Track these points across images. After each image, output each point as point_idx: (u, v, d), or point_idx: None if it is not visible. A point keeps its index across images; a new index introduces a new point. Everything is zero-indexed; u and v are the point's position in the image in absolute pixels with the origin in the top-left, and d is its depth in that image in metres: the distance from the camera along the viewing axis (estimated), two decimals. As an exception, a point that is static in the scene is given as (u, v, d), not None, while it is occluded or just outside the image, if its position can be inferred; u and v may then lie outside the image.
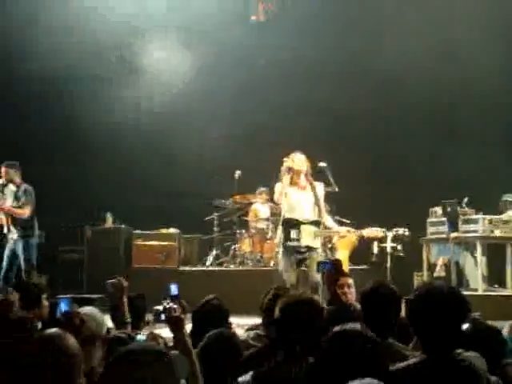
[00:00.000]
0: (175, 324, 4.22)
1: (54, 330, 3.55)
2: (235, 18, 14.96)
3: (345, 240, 11.84)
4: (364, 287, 5.01)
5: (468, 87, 13.93)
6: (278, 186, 9.07)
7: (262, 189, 13.03)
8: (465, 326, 4.19)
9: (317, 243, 8.97)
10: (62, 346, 3.32)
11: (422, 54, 14.07)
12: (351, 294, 6.72)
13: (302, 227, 8.87)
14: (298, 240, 8.86)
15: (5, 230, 10.81)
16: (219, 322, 5.04)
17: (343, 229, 9.70)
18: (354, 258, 12.10)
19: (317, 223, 8.91)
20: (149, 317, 5.94)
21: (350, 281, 6.89)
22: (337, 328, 3.54)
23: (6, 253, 10.81)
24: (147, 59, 15.05)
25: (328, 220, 9.30)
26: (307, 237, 8.88)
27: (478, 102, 14.04)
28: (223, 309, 5.44)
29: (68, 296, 5.61)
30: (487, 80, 13.51)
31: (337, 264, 6.97)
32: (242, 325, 6.07)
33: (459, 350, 3.78)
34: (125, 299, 5.78)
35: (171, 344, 4.33)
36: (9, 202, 10.77)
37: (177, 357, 3.30)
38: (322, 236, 9.10)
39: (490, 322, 5.11)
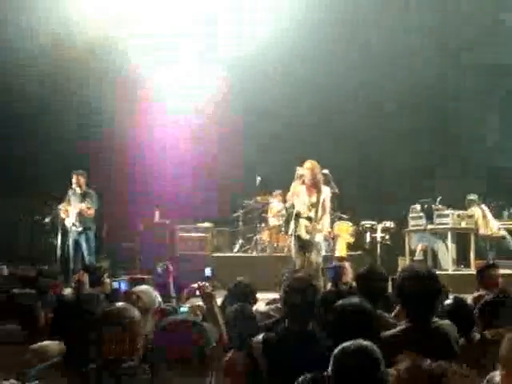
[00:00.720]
0: (206, 298, 4.26)
1: (121, 303, 3.59)
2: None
3: (343, 231, 11.85)
4: (359, 269, 5.01)
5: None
6: (291, 188, 9.06)
7: (278, 191, 12.99)
8: (447, 302, 4.21)
9: (316, 236, 8.88)
10: (129, 315, 3.35)
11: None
12: (348, 275, 6.70)
13: (300, 220, 8.84)
14: (301, 232, 8.84)
15: (69, 225, 10.91)
16: (248, 297, 5.04)
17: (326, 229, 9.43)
18: (351, 245, 12.09)
19: (309, 219, 8.82)
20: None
21: (347, 264, 6.87)
22: (340, 301, 3.55)
23: (71, 244, 10.91)
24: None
25: (322, 219, 9.07)
26: (302, 229, 8.83)
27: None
28: (252, 287, 5.45)
29: (126, 277, 5.65)
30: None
31: (339, 270, 6.88)
32: (263, 299, 6.03)
33: (435, 319, 3.78)
34: (171, 279, 5.81)
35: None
36: (78, 204, 10.88)
37: (208, 326, 3.33)
38: (314, 231, 8.91)
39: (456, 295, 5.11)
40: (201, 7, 13.63)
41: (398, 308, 4.36)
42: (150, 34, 13.46)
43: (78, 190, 10.91)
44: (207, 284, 4.50)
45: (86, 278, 5.86)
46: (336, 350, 2.73)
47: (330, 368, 2.71)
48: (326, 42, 13.20)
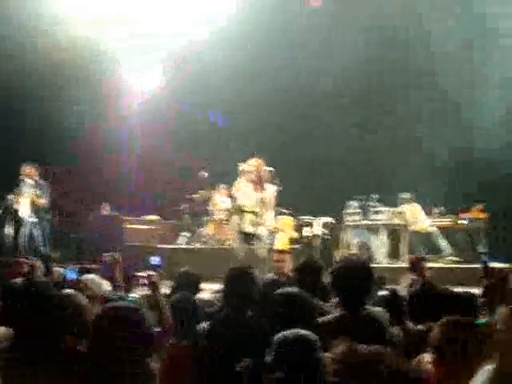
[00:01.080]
0: (152, 287, 4.28)
1: (69, 290, 3.58)
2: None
3: (285, 225, 11.93)
4: (298, 262, 5.09)
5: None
6: (235, 184, 9.10)
7: (222, 185, 13.02)
8: (383, 293, 4.32)
9: (259, 229, 8.93)
10: (77, 301, 3.34)
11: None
12: (287, 267, 6.77)
13: (245, 214, 8.89)
14: (245, 226, 8.90)
15: (23, 215, 10.75)
16: (193, 287, 5.06)
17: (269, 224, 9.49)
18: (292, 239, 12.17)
19: (254, 213, 8.87)
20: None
21: (287, 257, 6.93)
22: (279, 290, 3.60)
23: (26, 233, 10.75)
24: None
25: (266, 215, 9.12)
26: (247, 223, 8.89)
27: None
28: (196, 277, 5.46)
29: (75, 266, 5.60)
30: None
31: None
32: (207, 289, 6.05)
33: (368, 306, 3.88)
34: (118, 268, 5.78)
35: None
36: (31, 194, 10.74)
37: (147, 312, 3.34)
38: (257, 225, 8.96)
39: (389, 286, 5.24)
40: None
41: (337, 299, 4.45)
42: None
43: (30, 181, 10.76)
44: (153, 273, 4.52)
45: (40, 266, 5.81)
46: (275, 338, 2.78)
47: (269, 355, 2.75)
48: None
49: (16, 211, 10.74)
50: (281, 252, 7.15)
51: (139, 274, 4.73)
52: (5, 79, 12.80)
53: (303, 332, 2.78)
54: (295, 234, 12.20)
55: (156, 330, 3.95)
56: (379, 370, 1.94)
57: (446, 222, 12.72)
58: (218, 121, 14.02)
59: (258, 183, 8.86)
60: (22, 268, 5.35)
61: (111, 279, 5.70)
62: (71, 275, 4.76)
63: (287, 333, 2.78)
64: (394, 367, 1.96)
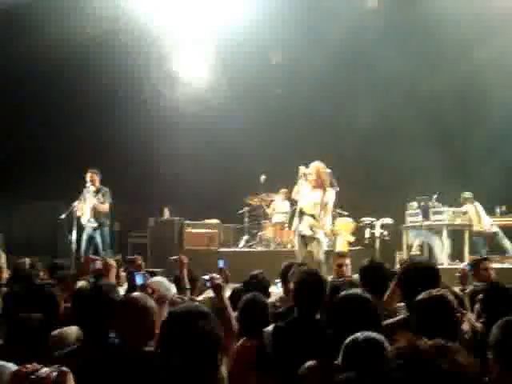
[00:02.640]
0: (216, 289, 4.33)
1: (138, 293, 3.67)
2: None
3: (344, 228, 11.89)
4: (361, 263, 5.06)
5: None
6: (296, 186, 9.11)
7: (283, 189, 13.05)
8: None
9: (317, 232, 8.92)
10: (146, 304, 3.42)
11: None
12: (347, 271, 6.75)
13: (304, 216, 8.89)
14: (304, 228, 8.90)
15: (83, 221, 11.00)
16: (263, 290, 5.09)
17: (327, 228, 9.46)
18: (351, 241, 12.13)
19: (313, 216, 8.87)
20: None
21: (348, 261, 6.92)
22: (343, 293, 3.61)
23: (84, 238, 11.01)
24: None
25: (325, 219, 9.11)
26: (305, 225, 8.89)
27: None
28: (266, 281, 5.50)
29: (143, 272, 5.68)
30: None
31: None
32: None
33: None
34: (185, 271, 5.85)
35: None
36: (93, 200, 10.98)
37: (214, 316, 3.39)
38: (316, 228, 8.94)
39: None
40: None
41: (390, 289, 4.42)
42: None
43: (92, 188, 11.01)
44: (217, 276, 4.58)
45: (114, 266, 5.92)
46: (347, 341, 2.81)
47: (340, 357, 2.78)
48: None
49: (79, 218, 10.98)
50: (342, 255, 7.13)
51: (203, 277, 4.78)
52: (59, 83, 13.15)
53: (373, 334, 2.80)
54: (353, 237, 12.16)
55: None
56: (441, 364, 1.89)
57: (510, 221, 12.49)
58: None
59: (318, 186, 8.86)
60: (94, 265, 5.47)
61: (177, 282, 5.79)
62: (140, 281, 4.84)
63: (357, 335, 2.81)
64: (458, 363, 1.91)
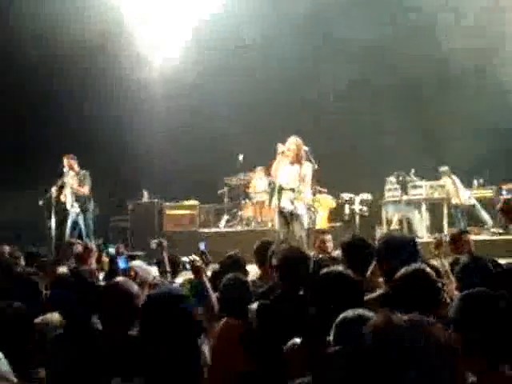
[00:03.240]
0: (197, 271, 4.34)
1: (121, 278, 3.67)
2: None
3: (323, 204, 11.93)
4: (343, 239, 5.06)
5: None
6: (274, 163, 9.11)
7: (260, 167, 13.06)
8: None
9: (299, 207, 8.95)
10: (130, 288, 3.43)
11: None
12: (329, 247, 6.78)
13: (283, 192, 8.91)
14: (285, 204, 8.91)
15: (68, 206, 10.97)
16: (240, 270, 5.09)
17: (308, 199, 9.49)
18: (331, 218, 12.18)
19: (293, 190, 8.88)
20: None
21: (329, 236, 6.95)
22: (325, 269, 3.63)
23: (69, 223, 10.97)
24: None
25: (305, 191, 9.13)
26: (287, 200, 8.90)
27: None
28: (242, 260, 5.51)
29: (124, 255, 5.67)
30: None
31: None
32: (250, 271, 6.08)
33: None
34: (165, 254, 5.86)
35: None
36: (73, 185, 10.95)
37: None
38: (297, 200, 8.97)
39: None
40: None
41: (373, 265, 4.44)
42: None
43: (72, 172, 10.97)
44: (197, 258, 4.60)
45: (94, 251, 5.92)
46: (338, 319, 2.82)
47: (331, 335, 2.80)
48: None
49: (58, 203, 10.92)
50: (323, 232, 7.17)
51: (183, 258, 4.80)
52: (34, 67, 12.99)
53: (362, 311, 2.80)
54: (333, 206, 12.20)
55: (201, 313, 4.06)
56: (415, 338, 1.90)
57: (487, 193, 12.61)
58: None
59: (295, 161, 8.88)
60: (76, 249, 5.45)
61: (158, 265, 5.80)
62: (123, 264, 4.85)
63: (348, 313, 2.82)
64: (433, 338, 1.91)
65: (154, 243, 6.05)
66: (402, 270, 3.45)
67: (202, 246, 4.86)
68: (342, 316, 2.81)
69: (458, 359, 2.00)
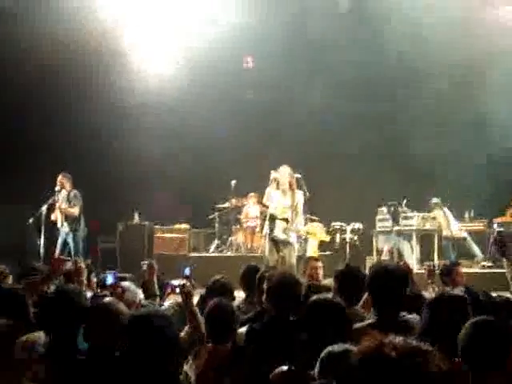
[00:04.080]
0: (185, 296, 4.34)
1: (110, 298, 3.65)
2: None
3: (314, 233, 11.93)
4: (337, 268, 5.04)
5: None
6: (266, 191, 9.15)
7: (252, 194, 13.07)
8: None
9: (291, 235, 8.97)
10: (116, 309, 3.41)
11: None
12: (320, 274, 6.77)
13: (276, 221, 8.94)
14: (278, 233, 8.94)
15: (58, 225, 10.96)
16: (226, 294, 5.05)
17: (302, 230, 9.51)
18: (322, 246, 12.16)
19: (286, 220, 8.91)
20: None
21: (320, 264, 6.94)
22: (314, 297, 3.63)
23: (59, 242, 10.94)
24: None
25: (297, 220, 9.16)
26: (279, 230, 8.93)
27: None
28: (229, 285, 5.47)
29: (113, 271, 5.62)
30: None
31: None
32: (239, 297, 6.05)
33: (403, 313, 3.86)
34: (154, 277, 5.84)
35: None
36: (62, 205, 10.92)
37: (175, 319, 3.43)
38: (290, 231, 9.00)
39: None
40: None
41: (365, 297, 4.43)
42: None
43: (64, 192, 10.96)
44: (187, 283, 4.59)
45: (84, 269, 5.88)
46: (322, 353, 2.82)
47: (316, 369, 2.79)
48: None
49: (48, 221, 10.90)
50: (316, 259, 7.17)
51: (172, 282, 4.78)
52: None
53: (348, 347, 2.78)
54: (326, 239, 12.21)
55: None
56: (405, 362, 1.75)
57: (478, 226, 12.65)
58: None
59: (287, 189, 8.92)
60: (64, 265, 5.42)
61: (144, 288, 5.77)
62: (110, 279, 4.84)
63: (334, 347, 2.82)
64: (426, 364, 1.77)
65: (144, 264, 6.02)
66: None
67: (186, 271, 4.85)
68: (327, 350, 2.81)
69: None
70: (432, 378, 1.77)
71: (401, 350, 1.78)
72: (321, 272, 6.83)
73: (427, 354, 1.80)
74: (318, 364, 2.79)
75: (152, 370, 2.85)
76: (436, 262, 10.93)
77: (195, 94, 13.80)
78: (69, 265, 5.91)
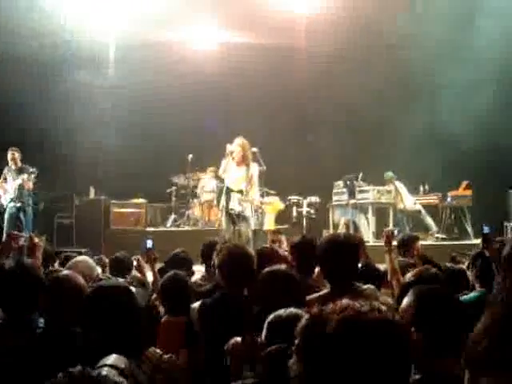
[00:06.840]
0: (139, 269, 4.35)
1: (68, 271, 3.65)
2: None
3: (271, 206, 12.01)
4: (293, 240, 5.08)
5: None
6: (222, 164, 9.18)
7: (210, 168, 13.06)
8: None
9: (247, 208, 9.04)
10: (74, 282, 3.42)
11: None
12: (283, 247, 6.82)
13: (232, 194, 8.99)
14: (234, 205, 8.99)
15: (3, 201, 10.79)
16: (185, 268, 5.09)
17: (256, 201, 9.58)
18: (278, 220, 12.25)
19: (241, 192, 8.97)
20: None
21: (283, 237, 6.99)
22: (267, 268, 3.65)
23: (7, 217, 10.80)
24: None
25: (252, 193, 9.24)
26: (235, 202, 8.99)
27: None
28: (188, 259, 5.50)
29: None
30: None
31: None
32: (197, 271, 6.09)
33: (358, 284, 3.91)
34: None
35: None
36: (15, 180, 10.78)
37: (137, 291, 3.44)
38: (245, 202, 9.07)
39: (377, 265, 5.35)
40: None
41: (317, 270, 4.48)
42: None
43: (14, 167, 10.81)
44: (139, 257, 4.62)
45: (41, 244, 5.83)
46: (269, 318, 2.79)
47: (263, 333, 2.81)
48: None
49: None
50: (275, 232, 7.25)
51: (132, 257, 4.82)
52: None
53: (295, 310, 2.77)
54: (281, 207, 12.27)
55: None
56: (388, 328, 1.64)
57: (432, 199, 12.88)
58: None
59: (242, 162, 8.96)
60: (18, 241, 5.34)
61: (102, 265, 5.76)
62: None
63: (280, 312, 2.78)
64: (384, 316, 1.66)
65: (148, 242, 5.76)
66: None
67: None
68: (273, 315, 2.78)
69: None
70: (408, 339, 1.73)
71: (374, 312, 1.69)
72: (283, 245, 6.88)
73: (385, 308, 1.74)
74: (265, 328, 2.77)
75: (114, 343, 2.85)
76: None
77: (157, 69, 13.72)
78: (22, 241, 5.85)
